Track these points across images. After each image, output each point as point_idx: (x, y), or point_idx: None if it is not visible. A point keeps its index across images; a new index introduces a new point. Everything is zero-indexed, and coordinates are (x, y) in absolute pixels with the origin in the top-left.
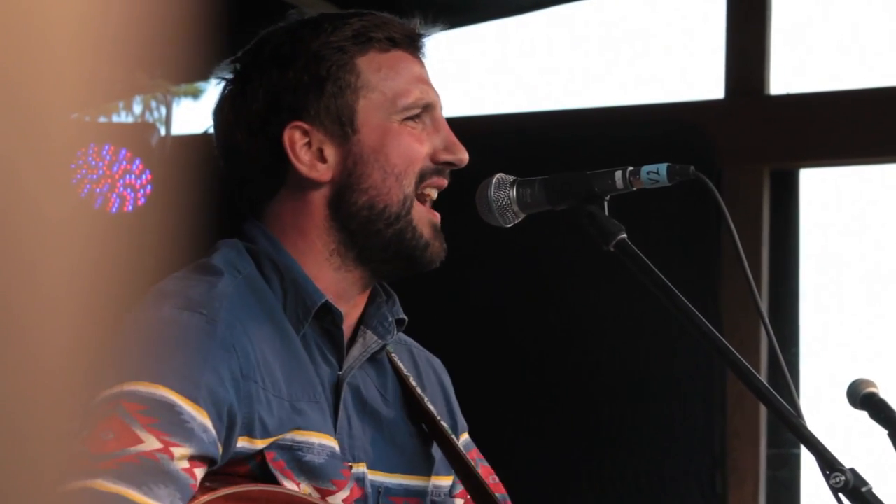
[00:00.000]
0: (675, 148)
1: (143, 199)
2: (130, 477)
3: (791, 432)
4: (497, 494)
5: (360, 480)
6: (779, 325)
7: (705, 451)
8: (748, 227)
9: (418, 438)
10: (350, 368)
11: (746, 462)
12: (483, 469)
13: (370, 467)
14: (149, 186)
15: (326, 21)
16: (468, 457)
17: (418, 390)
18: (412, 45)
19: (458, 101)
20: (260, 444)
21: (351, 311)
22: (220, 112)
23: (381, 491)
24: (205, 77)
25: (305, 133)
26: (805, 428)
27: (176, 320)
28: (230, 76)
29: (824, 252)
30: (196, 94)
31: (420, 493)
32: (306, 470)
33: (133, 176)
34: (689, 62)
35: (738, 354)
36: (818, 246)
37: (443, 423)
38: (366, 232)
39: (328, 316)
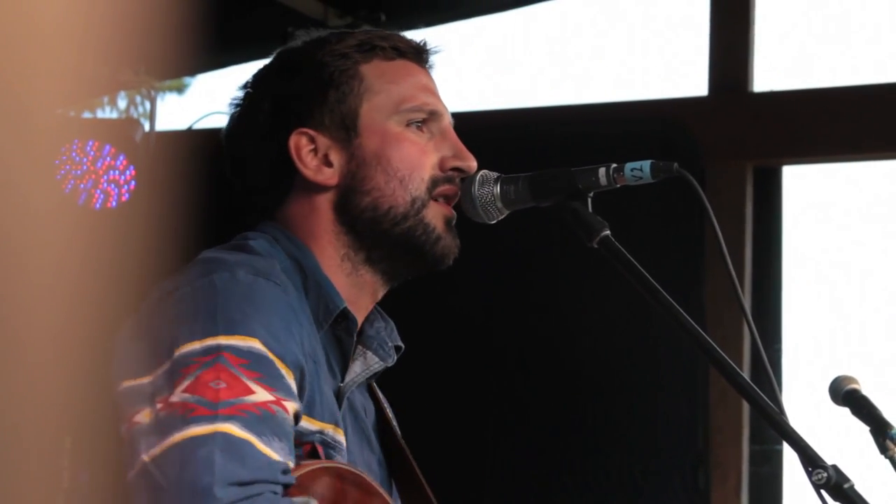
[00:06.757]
0: (658, 145)
1: (127, 195)
2: (253, 426)
3: (773, 429)
4: None
5: None
6: (761, 321)
7: (688, 447)
8: (731, 224)
9: (382, 468)
10: (352, 382)
11: (729, 458)
12: None
13: None
14: (133, 182)
15: (333, 35)
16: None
17: (393, 422)
18: (418, 57)
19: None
20: (315, 427)
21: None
22: (230, 127)
23: None
24: (189, 72)
25: (311, 139)
26: (787, 424)
27: (252, 284)
28: (241, 94)
29: (807, 248)
30: (180, 90)
31: None
32: None
33: (117, 171)
34: (673, 59)
35: (720, 351)
36: (801, 242)
37: (410, 457)
38: (372, 233)
39: (343, 322)
